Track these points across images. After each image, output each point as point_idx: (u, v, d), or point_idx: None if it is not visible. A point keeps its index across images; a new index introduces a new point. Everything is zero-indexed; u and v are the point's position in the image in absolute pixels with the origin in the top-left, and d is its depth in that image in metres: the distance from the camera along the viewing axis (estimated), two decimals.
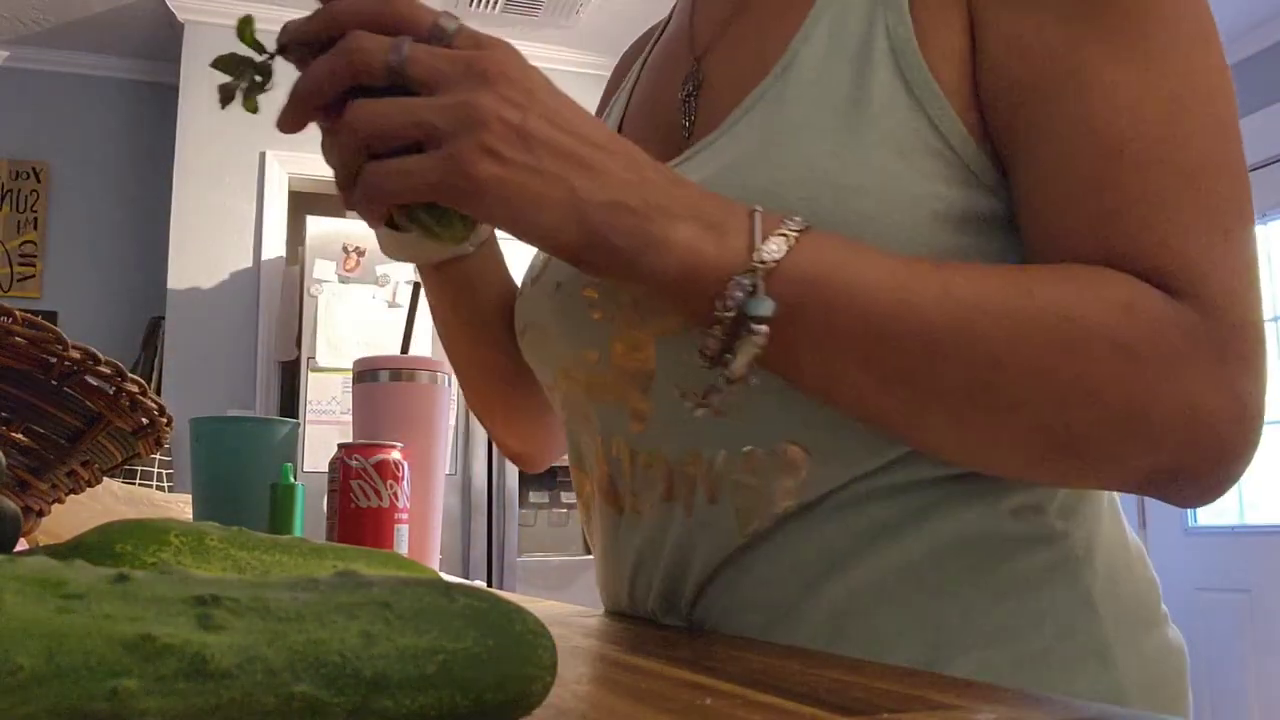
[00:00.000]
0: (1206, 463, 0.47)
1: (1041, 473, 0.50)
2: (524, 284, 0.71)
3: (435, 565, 1.07)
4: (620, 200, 0.47)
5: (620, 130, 0.75)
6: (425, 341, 2.83)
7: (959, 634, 0.53)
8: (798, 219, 0.47)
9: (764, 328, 0.46)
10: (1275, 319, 3.41)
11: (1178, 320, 0.46)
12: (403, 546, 0.83)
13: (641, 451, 0.61)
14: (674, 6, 0.79)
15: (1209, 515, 3.67)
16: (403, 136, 0.46)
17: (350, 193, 0.49)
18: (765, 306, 0.45)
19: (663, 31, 0.78)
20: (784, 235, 0.47)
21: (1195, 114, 0.48)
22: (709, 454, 0.57)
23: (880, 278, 0.47)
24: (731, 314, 0.46)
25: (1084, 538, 0.56)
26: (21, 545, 0.63)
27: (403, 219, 0.50)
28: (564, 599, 0.68)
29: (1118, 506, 0.60)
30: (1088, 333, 0.45)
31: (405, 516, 0.83)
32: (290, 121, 0.50)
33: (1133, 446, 0.46)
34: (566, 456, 0.73)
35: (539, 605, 0.72)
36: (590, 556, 3.33)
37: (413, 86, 0.47)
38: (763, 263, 0.46)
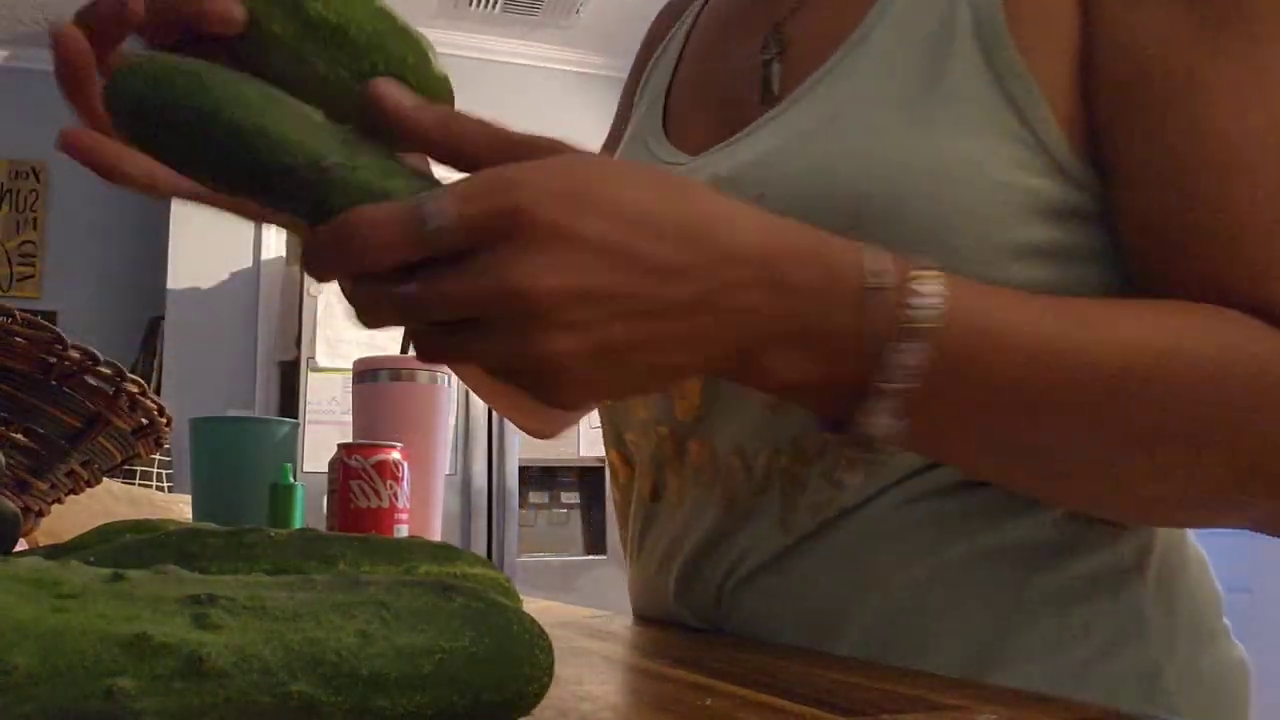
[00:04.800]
0: None
1: (1162, 520, 0.47)
2: None
3: None
4: (719, 349, 0.39)
5: (668, 97, 0.70)
6: None
7: (995, 648, 0.50)
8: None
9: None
10: None
11: None
12: None
13: (690, 438, 0.58)
14: None
15: None
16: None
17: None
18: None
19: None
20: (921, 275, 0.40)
21: None
22: (764, 447, 0.54)
23: (1031, 318, 0.41)
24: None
25: (1135, 546, 0.52)
26: (21, 545, 0.63)
27: None
28: (564, 599, 0.68)
29: None
30: (1242, 379, 0.42)
31: (405, 517, 0.83)
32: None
33: (1261, 491, 0.44)
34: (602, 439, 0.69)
35: (539, 606, 0.72)
36: (590, 557, 3.34)
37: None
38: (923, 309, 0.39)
